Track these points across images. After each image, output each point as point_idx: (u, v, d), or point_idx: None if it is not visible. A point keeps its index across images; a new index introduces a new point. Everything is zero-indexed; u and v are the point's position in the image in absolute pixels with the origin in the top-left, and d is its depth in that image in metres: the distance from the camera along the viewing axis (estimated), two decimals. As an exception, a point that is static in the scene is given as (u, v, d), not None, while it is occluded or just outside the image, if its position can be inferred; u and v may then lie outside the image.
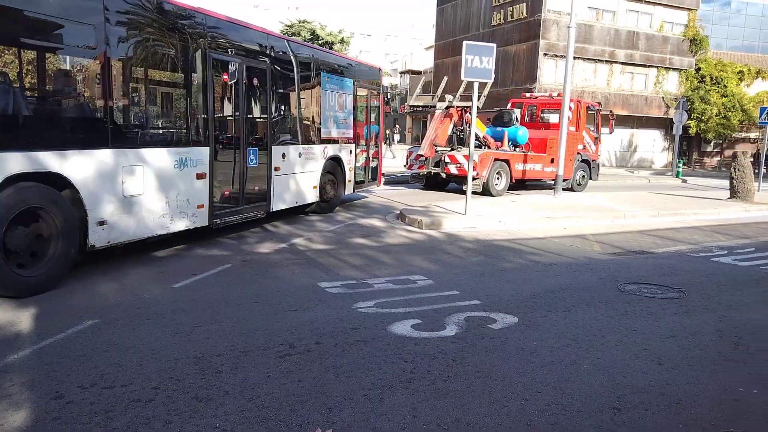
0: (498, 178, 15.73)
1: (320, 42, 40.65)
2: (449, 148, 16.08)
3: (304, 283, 6.33)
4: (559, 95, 17.24)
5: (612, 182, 24.02)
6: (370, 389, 3.71)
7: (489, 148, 16.17)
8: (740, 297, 6.40)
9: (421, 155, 15.83)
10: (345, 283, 6.32)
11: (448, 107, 16.23)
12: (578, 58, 30.59)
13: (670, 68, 34.37)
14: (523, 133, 16.92)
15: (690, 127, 33.74)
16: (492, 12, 33.91)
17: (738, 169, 16.28)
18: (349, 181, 12.39)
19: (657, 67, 34.05)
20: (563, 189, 16.23)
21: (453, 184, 16.63)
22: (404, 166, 17.56)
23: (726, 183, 17.71)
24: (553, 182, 16.26)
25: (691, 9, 34.44)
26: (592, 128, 19.23)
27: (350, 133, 12.29)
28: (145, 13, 6.77)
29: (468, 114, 15.48)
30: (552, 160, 16.88)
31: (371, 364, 4.12)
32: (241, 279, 6.49)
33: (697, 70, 34.82)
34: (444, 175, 15.80)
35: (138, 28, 6.70)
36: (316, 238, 9.05)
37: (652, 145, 36.57)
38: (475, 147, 15.00)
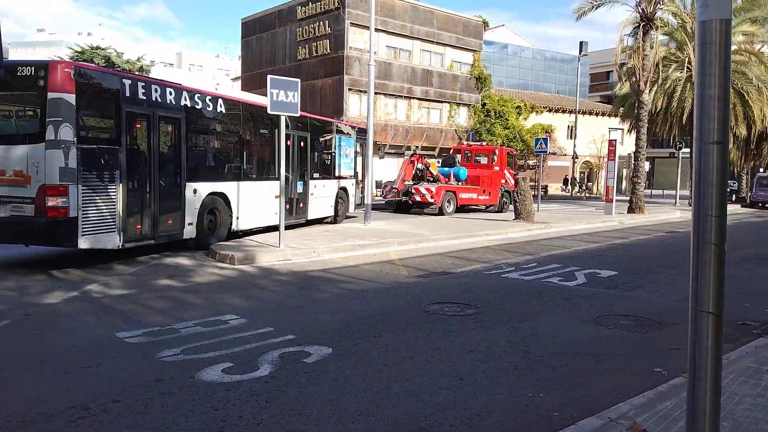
0: (449, 204, 21.11)
1: (117, 68, 37.88)
2: (412, 183, 21.41)
3: (99, 335, 5.72)
4: (488, 144, 27.94)
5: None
6: (176, 445, 3.44)
7: (440, 182, 21.79)
8: (527, 308, 7.16)
9: (395, 188, 21.38)
10: (147, 331, 5.84)
11: (412, 155, 22.78)
12: (380, 93, 32.44)
13: (460, 103, 37.96)
14: (463, 172, 22.90)
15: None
16: (297, 47, 34.64)
17: (520, 194, 18.39)
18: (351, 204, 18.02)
19: (449, 102, 37.41)
20: (495, 210, 23.24)
21: (415, 207, 21.58)
22: (380, 195, 23.28)
23: (511, 206, 21.02)
24: (485, 207, 23.74)
25: (476, 51, 38.54)
26: (511, 168, 25.18)
27: (352, 172, 18.01)
28: (264, 117, 13.06)
29: (425, 158, 23.50)
30: (484, 191, 23.05)
31: (178, 417, 3.83)
32: (23, 336, 5.68)
33: (483, 105, 38.93)
34: (410, 202, 21.01)
35: (257, 124, 13.48)
36: (115, 282, 8.28)
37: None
38: (431, 182, 21.43)
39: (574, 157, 41.09)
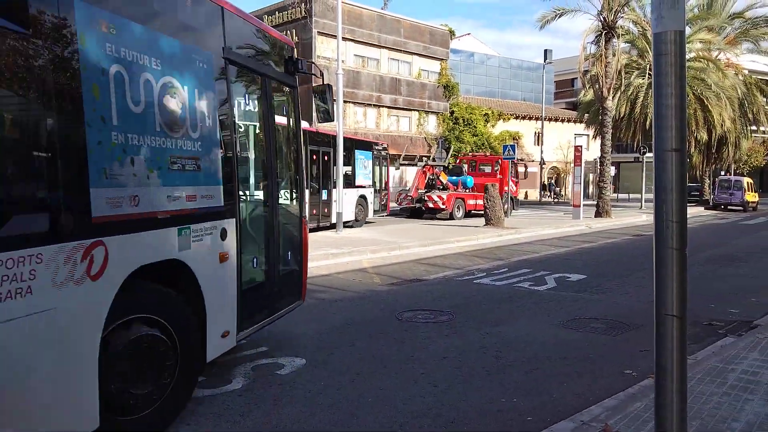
0: (458, 210, 23.06)
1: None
2: (425, 191, 23.37)
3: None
4: (491, 154, 31.62)
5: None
6: (148, 463, 3.38)
7: (450, 190, 23.78)
8: (499, 314, 7.23)
9: (410, 196, 24.00)
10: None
11: (424, 165, 25.80)
12: (349, 102, 32.49)
13: (429, 111, 38.22)
14: (470, 180, 25.19)
15: (450, 163, 37.75)
16: (265, 56, 34.46)
17: (489, 200, 18.59)
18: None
19: (418, 110, 37.63)
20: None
21: (428, 213, 23.03)
22: (396, 202, 25.16)
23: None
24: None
25: (443, 59, 38.88)
26: (514, 176, 27.21)
27: (370, 182, 20.24)
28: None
29: (436, 168, 26.18)
30: None
31: (148, 434, 3.76)
32: None
33: (452, 113, 39.26)
34: (423, 208, 22.86)
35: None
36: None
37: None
38: (442, 190, 23.42)
39: (542, 163, 41.67)
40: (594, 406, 4.07)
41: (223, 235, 4.31)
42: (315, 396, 4.44)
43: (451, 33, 40.63)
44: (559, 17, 25.58)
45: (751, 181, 35.12)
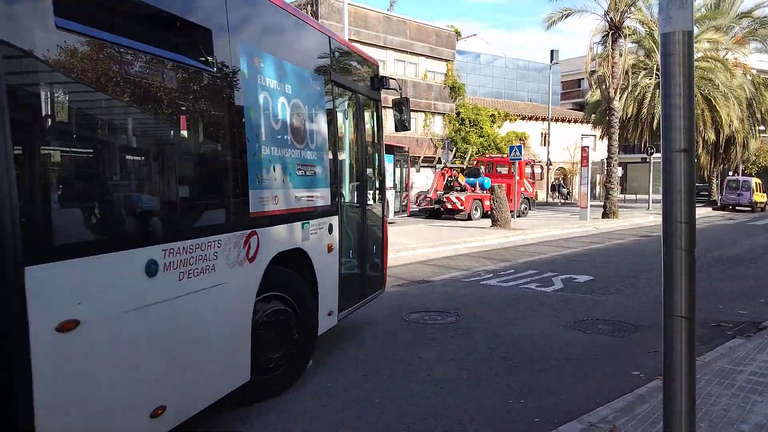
0: (476, 210, 23.44)
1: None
2: (443, 192, 23.75)
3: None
4: (500, 155, 30.68)
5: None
6: None
7: (468, 192, 24.40)
8: (505, 315, 7.21)
9: (429, 197, 24.23)
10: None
11: (443, 168, 26.10)
12: (356, 102, 32.51)
13: (435, 112, 38.20)
14: (487, 181, 25.04)
15: (455, 164, 37.71)
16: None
17: (496, 201, 18.55)
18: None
19: (424, 111, 37.61)
20: (515, 216, 23.46)
21: (446, 214, 23.38)
22: (415, 204, 25.14)
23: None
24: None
25: (449, 60, 38.86)
26: (530, 177, 28.41)
27: (391, 184, 18.35)
28: None
29: (452, 170, 26.41)
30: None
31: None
32: None
33: (458, 114, 39.22)
34: (442, 209, 23.23)
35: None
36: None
37: (426, 181, 40.05)
38: (460, 191, 23.99)
39: (548, 163, 41.56)
40: (601, 407, 4.06)
41: (330, 229, 5.20)
42: (323, 397, 4.44)
43: (458, 34, 40.59)
44: (566, 18, 25.50)
45: (760, 182, 34.95)
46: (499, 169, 28.24)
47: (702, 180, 38.36)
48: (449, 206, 23.12)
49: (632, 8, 24.95)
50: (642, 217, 26.05)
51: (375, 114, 6.54)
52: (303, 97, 4.72)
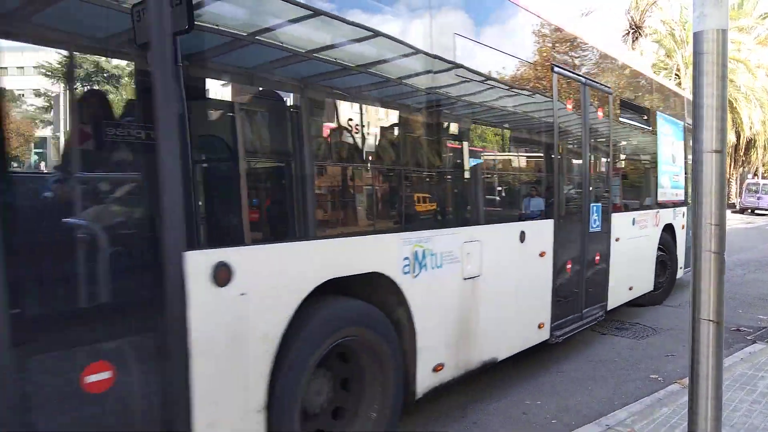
0: None
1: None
2: None
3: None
4: None
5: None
6: None
7: None
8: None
9: None
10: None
11: None
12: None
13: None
14: None
15: None
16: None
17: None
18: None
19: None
20: None
21: None
22: None
23: None
24: None
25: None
26: None
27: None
28: None
29: None
30: None
31: None
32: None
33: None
34: None
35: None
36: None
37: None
38: None
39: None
40: (619, 410, 4.02)
41: (682, 214, 8.65)
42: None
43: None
44: (586, 16, 25.34)
45: (780, 185, 34.38)
46: None
47: (721, 182, 37.83)
48: None
49: (653, 7, 24.72)
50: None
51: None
52: (676, 135, 8.34)
